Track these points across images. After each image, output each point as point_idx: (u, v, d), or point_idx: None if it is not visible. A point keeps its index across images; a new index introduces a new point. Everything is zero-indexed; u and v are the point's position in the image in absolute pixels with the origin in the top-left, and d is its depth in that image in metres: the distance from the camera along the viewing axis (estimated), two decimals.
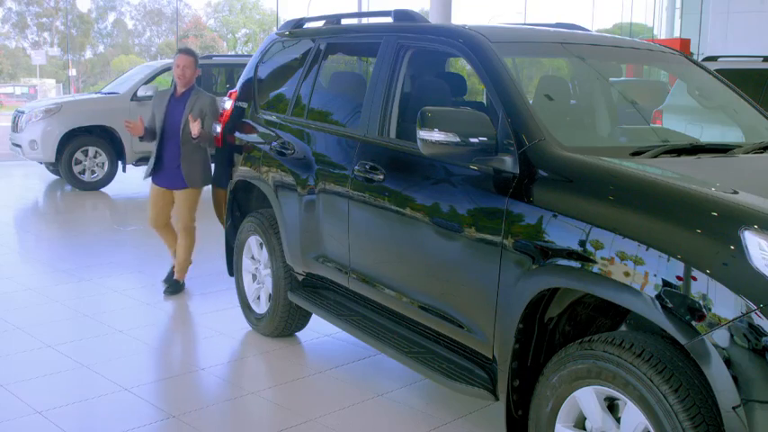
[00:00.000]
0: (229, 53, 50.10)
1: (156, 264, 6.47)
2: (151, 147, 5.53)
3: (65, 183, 11.05)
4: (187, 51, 5.38)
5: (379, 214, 3.53)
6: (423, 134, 2.90)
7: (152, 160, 5.43)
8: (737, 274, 2.10)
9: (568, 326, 2.82)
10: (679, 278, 2.19)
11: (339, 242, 3.83)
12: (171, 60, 12.38)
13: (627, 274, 2.33)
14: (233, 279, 4.98)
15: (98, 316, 5.06)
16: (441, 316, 3.20)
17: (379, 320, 3.70)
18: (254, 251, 4.72)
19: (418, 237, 3.29)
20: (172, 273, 5.69)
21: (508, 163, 2.86)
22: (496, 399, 2.93)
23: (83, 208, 9.60)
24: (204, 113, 5.21)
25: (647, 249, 2.29)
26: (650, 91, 6.27)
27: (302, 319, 4.57)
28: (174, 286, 5.58)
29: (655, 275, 2.25)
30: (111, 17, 60.72)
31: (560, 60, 4.49)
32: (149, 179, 5.50)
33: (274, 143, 4.39)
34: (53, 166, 11.26)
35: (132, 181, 11.49)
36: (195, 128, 5.03)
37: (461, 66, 4.89)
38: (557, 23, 4.19)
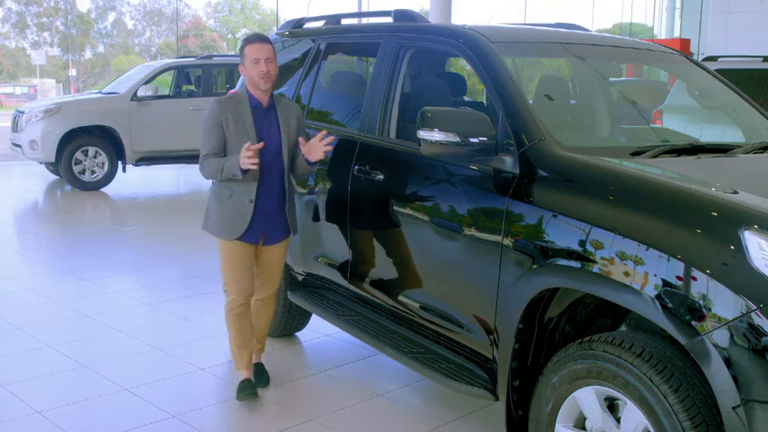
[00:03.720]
0: (229, 53, 50.09)
1: (156, 264, 6.48)
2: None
3: (65, 183, 11.05)
4: (265, 38, 3.62)
5: (379, 214, 3.53)
6: (423, 134, 2.91)
7: (237, 207, 3.56)
8: (737, 274, 2.10)
9: (568, 326, 2.82)
10: (679, 278, 2.19)
11: (339, 242, 3.83)
12: (171, 60, 12.37)
13: (627, 274, 2.32)
14: None
15: (98, 316, 5.06)
16: (441, 316, 3.20)
17: (379, 320, 3.70)
18: None
19: (418, 237, 3.29)
20: (260, 367, 4.00)
21: (508, 163, 2.86)
22: (496, 399, 2.93)
23: (83, 208, 9.60)
24: (300, 127, 3.72)
25: (647, 249, 2.29)
26: (650, 91, 6.27)
27: (302, 319, 4.57)
28: (264, 373, 4.00)
29: (655, 275, 2.25)
30: (111, 17, 60.86)
31: (560, 60, 4.49)
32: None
33: None
34: (53, 166, 11.27)
35: (132, 181, 11.50)
36: (319, 151, 3.54)
37: (461, 66, 4.89)
38: (557, 23, 4.19)
